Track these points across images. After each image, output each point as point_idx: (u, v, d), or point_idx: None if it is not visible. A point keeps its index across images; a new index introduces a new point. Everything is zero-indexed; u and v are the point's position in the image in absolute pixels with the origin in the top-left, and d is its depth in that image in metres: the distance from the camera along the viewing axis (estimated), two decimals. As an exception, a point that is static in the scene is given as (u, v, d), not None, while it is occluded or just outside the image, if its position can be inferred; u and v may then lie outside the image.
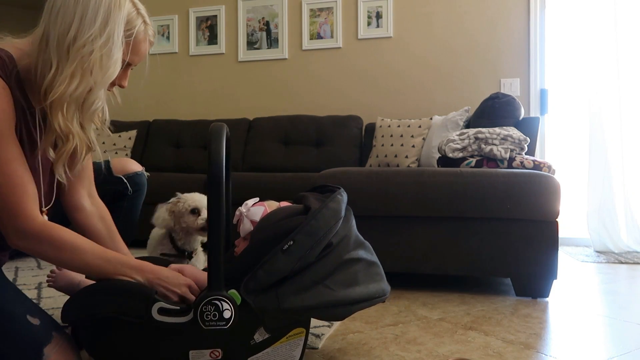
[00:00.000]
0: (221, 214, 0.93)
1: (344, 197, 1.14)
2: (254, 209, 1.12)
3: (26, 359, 0.98)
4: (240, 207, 1.14)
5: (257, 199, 1.16)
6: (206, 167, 3.92)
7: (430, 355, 1.30)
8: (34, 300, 1.45)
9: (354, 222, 1.18)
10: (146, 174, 1.58)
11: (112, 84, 1.10)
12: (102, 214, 1.27)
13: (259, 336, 1.04)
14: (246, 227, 1.11)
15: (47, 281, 1.16)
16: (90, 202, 1.25)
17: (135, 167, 1.56)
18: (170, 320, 0.98)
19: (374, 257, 1.18)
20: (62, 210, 1.22)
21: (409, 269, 2.02)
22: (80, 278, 1.16)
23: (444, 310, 1.74)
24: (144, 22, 1.08)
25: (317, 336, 1.40)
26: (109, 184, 1.45)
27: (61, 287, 1.16)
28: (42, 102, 0.98)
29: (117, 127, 3.89)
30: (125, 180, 1.50)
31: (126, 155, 3.72)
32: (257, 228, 1.08)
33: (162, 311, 0.98)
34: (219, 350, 1.02)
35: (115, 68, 1.02)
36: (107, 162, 1.49)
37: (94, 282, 1.09)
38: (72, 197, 1.22)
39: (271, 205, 1.15)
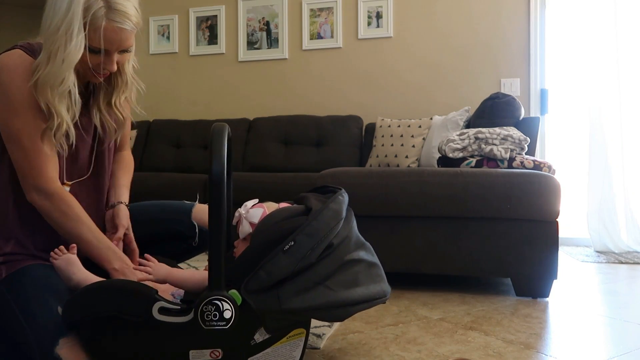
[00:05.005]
0: (222, 214, 0.93)
1: (345, 197, 1.14)
2: (252, 211, 1.12)
3: (42, 343, 1.03)
4: (239, 209, 1.14)
5: (256, 200, 1.16)
6: (206, 167, 3.92)
7: (430, 355, 1.30)
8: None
9: (354, 223, 1.18)
10: None
11: (97, 69, 1.14)
12: (121, 159, 1.41)
13: (259, 336, 1.04)
14: (245, 228, 1.11)
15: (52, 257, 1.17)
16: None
17: None
18: (171, 319, 0.98)
19: (374, 258, 1.18)
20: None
21: (409, 269, 2.02)
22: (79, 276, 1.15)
23: (444, 310, 1.74)
24: (106, 6, 1.08)
25: (319, 336, 1.40)
26: (178, 225, 1.38)
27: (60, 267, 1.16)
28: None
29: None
30: (197, 230, 1.40)
31: (126, 155, 3.72)
32: (257, 229, 1.07)
33: (162, 310, 0.98)
34: (219, 350, 1.02)
35: (76, 53, 1.08)
36: (191, 205, 1.42)
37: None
38: None
39: (270, 206, 1.14)
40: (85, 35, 1.08)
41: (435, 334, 1.47)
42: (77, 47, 1.07)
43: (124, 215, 1.30)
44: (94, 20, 1.08)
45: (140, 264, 1.17)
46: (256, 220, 1.10)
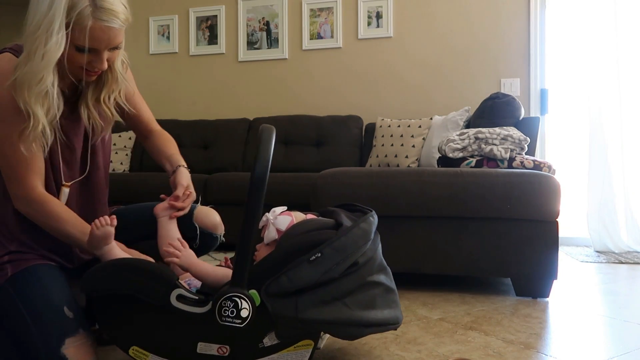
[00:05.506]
0: (257, 214, 0.94)
1: (375, 219, 1.16)
2: (281, 218, 1.12)
3: (48, 342, 1.05)
4: (267, 214, 1.14)
5: (284, 208, 1.17)
6: (207, 168, 3.90)
7: (430, 355, 1.30)
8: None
9: (380, 245, 1.19)
10: (222, 239, 1.48)
11: (87, 67, 1.13)
12: (157, 136, 1.53)
13: (269, 340, 1.04)
14: (271, 234, 1.11)
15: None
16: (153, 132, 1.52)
17: (217, 226, 1.46)
18: (187, 308, 0.99)
19: (392, 284, 1.20)
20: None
21: (409, 269, 2.02)
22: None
23: (444, 310, 1.74)
24: (92, 4, 1.06)
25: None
26: (180, 226, 1.35)
27: None
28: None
29: (117, 127, 3.88)
30: (198, 232, 1.40)
31: (126, 155, 3.72)
32: (285, 235, 1.08)
33: (180, 298, 0.99)
34: (227, 347, 1.03)
35: (56, 51, 1.06)
36: (193, 207, 1.41)
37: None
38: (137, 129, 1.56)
39: (298, 216, 1.16)
40: (67, 33, 1.06)
41: (435, 334, 1.47)
42: (57, 44, 1.06)
43: (183, 176, 1.35)
44: (80, 20, 1.06)
45: (172, 246, 1.15)
46: (283, 227, 1.11)
